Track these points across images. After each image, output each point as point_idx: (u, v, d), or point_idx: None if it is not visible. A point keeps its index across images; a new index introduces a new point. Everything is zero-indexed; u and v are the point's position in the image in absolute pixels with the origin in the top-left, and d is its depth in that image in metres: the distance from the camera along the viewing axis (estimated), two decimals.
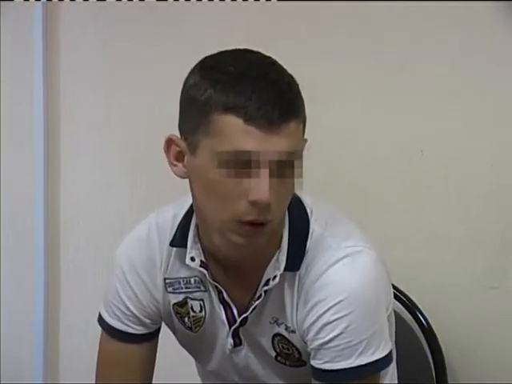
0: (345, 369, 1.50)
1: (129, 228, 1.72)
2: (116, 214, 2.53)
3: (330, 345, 1.50)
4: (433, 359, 2.00)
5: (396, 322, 1.68)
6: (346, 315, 1.48)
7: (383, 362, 1.53)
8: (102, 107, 2.58)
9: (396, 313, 1.71)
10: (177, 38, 2.45)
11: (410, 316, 2.02)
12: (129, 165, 2.53)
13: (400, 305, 1.97)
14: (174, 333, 1.73)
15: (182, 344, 1.74)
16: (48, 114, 2.66)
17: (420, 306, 2.02)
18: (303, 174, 1.46)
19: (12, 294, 2.88)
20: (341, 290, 1.49)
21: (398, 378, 1.76)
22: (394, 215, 2.13)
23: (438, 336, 2.00)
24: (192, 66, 1.46)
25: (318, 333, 1.51)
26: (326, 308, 1.49)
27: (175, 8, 2.44)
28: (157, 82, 2.43)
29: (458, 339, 2.06)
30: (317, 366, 1.53)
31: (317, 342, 1.51)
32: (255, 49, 1.46)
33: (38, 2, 2.67)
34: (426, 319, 2.02)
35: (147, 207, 1.72)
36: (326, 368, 1.51)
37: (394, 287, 1.71)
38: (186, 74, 1.46)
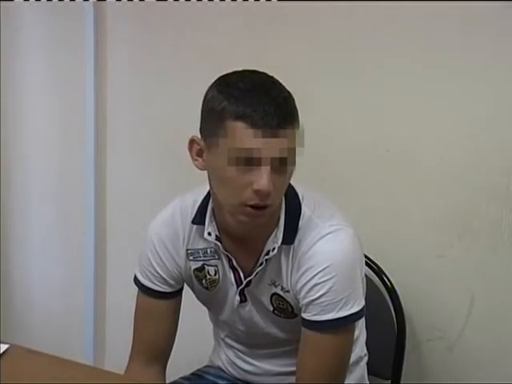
0: (328, 320, 1.52)
1: (158, 207, 1.70)
2: (148, 195, 2.51)
3: (317, 301, 1.52)
4: (394, 311, 1.97)
5: (366, 283, 1.68)
6: (330, 279, 1.50)
7: (357, 315, 1.55)
8: (140, 111, 2.53)
9: (366, 276, 1.71)
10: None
11: (377, 278, 1.99)
12: (160, 154, 2.51)
13: (369, 269, 1.94)
14: (194, 292, 1.74)
15: (199, 300, 1.75)
16: (97, 112, 2.59)
17: (385, 270, 1.99)
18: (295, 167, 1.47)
19: (67, 258, 2.83)
20: (326, 259, 1.51)
21: (368, 324, 1.78)
22: (364, 199, 2.09)
23: (399, 293, 1.97)
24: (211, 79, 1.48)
25: (308, 292, 1.53)
26: (314, 273, 1.51)
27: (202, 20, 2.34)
28: (184, 91, 2.35)
29: (414, 295, 2.03)
30: (307, 318, 1.55)
31: (307, 299, 1.53)
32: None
33: (88, 3, 2.50)
34: (389, 281, 1.98)
35: (173, 188, 1.71)
36: (314, 319, 1.53)
37: (365, 256, 1.71)
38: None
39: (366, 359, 1.81)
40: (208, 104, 1.44)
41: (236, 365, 1.79)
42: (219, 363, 1.85)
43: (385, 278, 1.98)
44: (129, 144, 2.60)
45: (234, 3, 2.23)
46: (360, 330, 1.74)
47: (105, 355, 2.77)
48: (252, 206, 1.42)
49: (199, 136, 1.49)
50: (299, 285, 1.53)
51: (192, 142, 1.50)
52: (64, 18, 2.60)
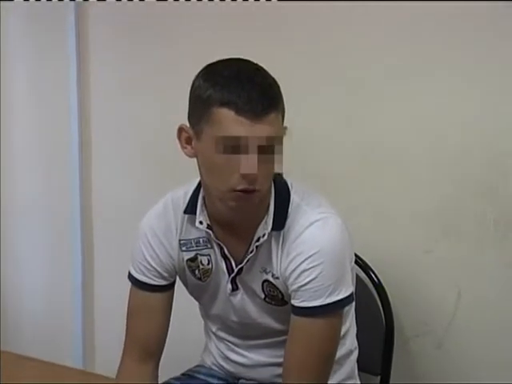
0: (316, 306, 1.56)
1: (144, 205, 1.75)
2: (134, 194, 2.55)
3: (306, 287, 1.56)
4: (382, 307, 2.02)
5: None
6: (318, 264, 1.55)
7: (345, 301, 1.59)
8: (124, 114, 2.60)
9: None
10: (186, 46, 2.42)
11: (364, 274, 2.03)
12: (144, 157, 2.57)
13: (357, 266, 1.94)
14: (186, 285, 1.77)
15: (191, 293, 1.79)
16: (81, 115, 2.66)
17: (372, 267, 2.04)
18: (283, 156, 1.51)
19: (54, 261, 2.88)
20: (314, 245, 1.55)
21: (356, 321, 1.83)
22: (350, 196, 2.14)
23: (386, 289, 2.02)
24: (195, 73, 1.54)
25: (297, 278, 1.57)
26: (303, 259, 1.56)
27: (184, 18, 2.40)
28: (168, 94, 2.42)
29: (401, 291, 2.08)
30: (296, 304, 1.58)
31: (296, 285, 1.57)
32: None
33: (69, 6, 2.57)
34: (376, 277, 2.03)
35: (158, 191, 1.76)
36: (303, 306, 1.57)
37: None
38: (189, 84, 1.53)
39: (356, 353, 1.83)
40: (195, 92, 1.50)
41: (228, 358, 1.81)
42: (211, 359, 1.87)
43: (372, 274, 2.03)
44: (114, 148, 2.65)
45: (218, 4, 2.30)
46: (350, 323, 1.77)
47: (95, 358, 2.78)
48: (241, 191, 1.47)
49: (187, 124, 1.54)
50: (288, 271, 1.57)
51: (180, 130, 1.55)
52: (46, 23, 2.68)
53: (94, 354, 2.79)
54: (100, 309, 2.77)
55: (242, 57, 1.54)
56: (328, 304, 1.56)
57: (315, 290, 1.55)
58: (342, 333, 1.68)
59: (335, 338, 1.62)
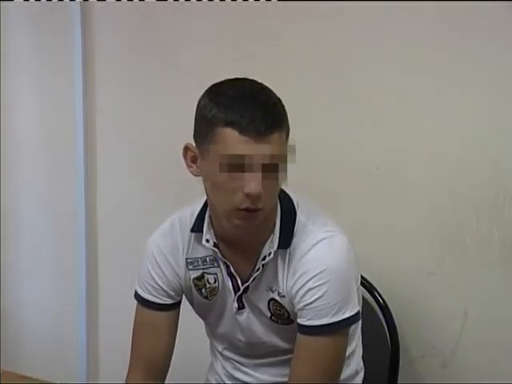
0: (322, 325, 1.57)
1: (149, 220, 1.76)
2: (140, 215, 2.55)
3: (312, 305, 1.58)
4: (387, 328, 2.02)
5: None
6: (324, 283, 1.56)
7: (351, 320, 1.61)
8: (131, 116, 2.62)
9: None
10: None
11: (369, 296, 2.03)
12: (149, 161, 2.57)
13: (362, 287, 1.94)
14: (192, 304, 1.79)
15: (197, 312, 1.80)
16: (86, 116, 2.66)
17: (377, 288, 2.05)
18: (287, 175, 1.53)
19: (57, 275, 2.88)
20: (320, 264, 1.57)
21: (363, 342, 1.84)
22: (355, 216, 2.15)
23: (392, 310, 2.03)
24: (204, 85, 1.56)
25: (303, 296, 1.59)
26: (309, 277, 1.57)
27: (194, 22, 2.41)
28: (173, 108, 2.44)
29: (407, 312, 2.09)
30: (302, 322, 1.60)
31: (302, 304, 1.59)
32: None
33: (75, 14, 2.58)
34: (382, 298, 2.04)
35: (164, 197, 1.77)
36: (309, 324, 1.59)
37: None
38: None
39: (362, 374, 1.84)
40: (200, 112, 1.52)
41: (234, 377, 1.82)
42: (216, 378, 1.87)
43: (377, 296, 2.04)
44: (119, 154, 2.65)
45: (218, 5, 2.32)
46: (356, 343, 1.79)
47: (99, 375, 2.78)
48: (245, 210, 1.48)
49: (193, 143, 1.56)
50: (294, 289, 1.59)
51: (186, 149, 1.57)
52: (51, 24, 2.70)
53: (98, 371, 2.79)
54: (104, 325, 2.78)
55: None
56: (334, 323, 1.57)
57: (321, 308, 1.57)
58: (347, 353, 1.69)
59: (341, 357, 1.63)
